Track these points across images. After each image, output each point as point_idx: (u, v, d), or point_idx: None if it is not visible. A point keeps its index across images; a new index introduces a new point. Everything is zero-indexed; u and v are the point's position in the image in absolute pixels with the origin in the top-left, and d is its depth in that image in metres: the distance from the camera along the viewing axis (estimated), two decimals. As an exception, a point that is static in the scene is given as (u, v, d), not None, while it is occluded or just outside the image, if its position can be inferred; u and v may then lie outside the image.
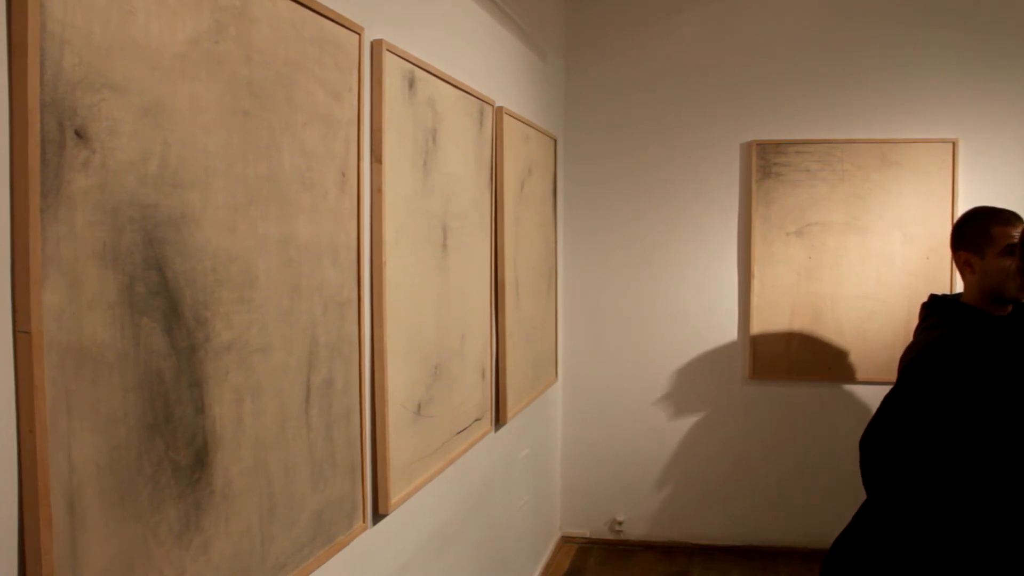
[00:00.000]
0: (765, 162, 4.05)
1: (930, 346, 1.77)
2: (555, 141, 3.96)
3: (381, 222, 1.98)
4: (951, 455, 1.64)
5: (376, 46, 1.97)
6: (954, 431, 1.63)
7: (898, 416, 1.75)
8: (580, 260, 4.27)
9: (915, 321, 3.91)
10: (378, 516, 2.03)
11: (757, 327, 4.09)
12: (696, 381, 4.22)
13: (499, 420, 3.04)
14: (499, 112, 2.94)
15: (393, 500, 2.05)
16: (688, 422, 4.23)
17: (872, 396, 4.00)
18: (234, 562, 1.41)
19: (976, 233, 2.04)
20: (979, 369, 1.63)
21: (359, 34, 1.85)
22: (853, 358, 4.02)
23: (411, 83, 2.16)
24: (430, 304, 2.32)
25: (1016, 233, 2.03)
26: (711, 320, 4.19)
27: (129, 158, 1.16)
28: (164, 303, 1.23)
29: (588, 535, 4.36)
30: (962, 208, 3.91)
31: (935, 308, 1.91)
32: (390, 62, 2.02)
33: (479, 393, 2.77)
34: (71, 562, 1.07)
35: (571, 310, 4.29)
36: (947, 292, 3.88)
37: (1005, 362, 1.62)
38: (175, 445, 1.26)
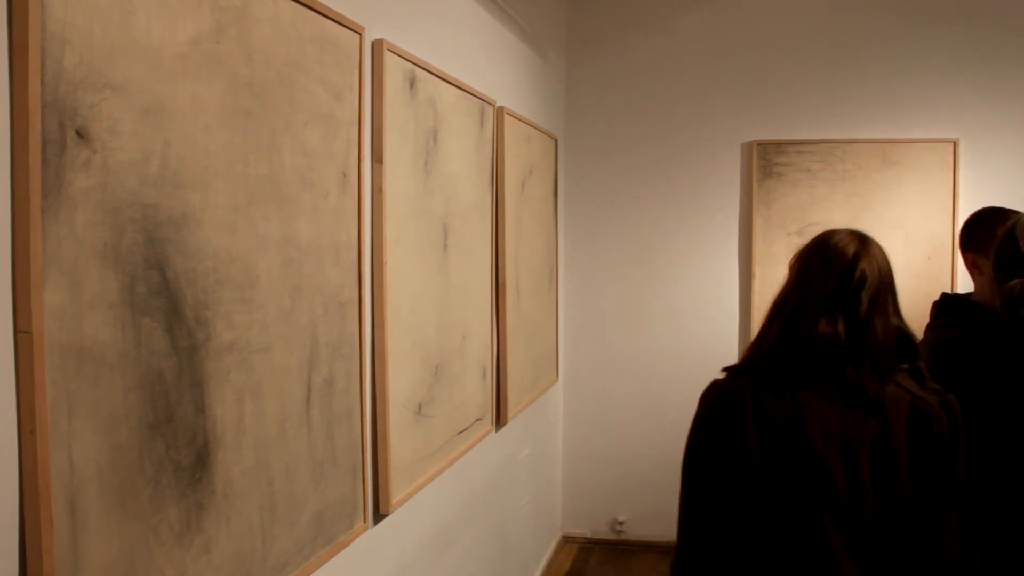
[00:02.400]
0: (766, 162, 4.05)
1: (938, 349, 1.77)
2: (556, 141, 3.96)
3: (382, 222, 1.98)
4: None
5: (377, 46, 1.96)
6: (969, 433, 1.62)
7: None
8: (581, 260, 4.27)
9: (915, 323, 3.90)
10: (379, 516, 2.03)
11: (758, 327, 4.08)
12: (697, 381, 4.19)
13: (500, 420, 3.04)
14: (500, 112, 2.94)
15: (394, 500, 2.05)
16: (689, 422, 4.22)
17: (873, 396, 3.99)
18: (235, 562, 1.41)
19: (983, 234, 2.03)
20: (988, 371, 1.63)
21: (360, 34, 1.85)
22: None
23: (412, 83, 2.16)
24: (431, 304, 2.32)
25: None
26: (712, 320, 4.19)
27: (130, 158, 1.16)
28: (165, 303, 1.23)
29: (589, 535, 4.36)
30: (963, 208, 3.90)
31: (946, 307, 1.90)
32: (391, 62, 2.02)
33: (480, 393, 2.77)
34: (72, 562, 1.06)
35: (572, 310, 4.29)
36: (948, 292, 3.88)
37: (1012, 365, 1.63)
38: (176, 445, 1.26)
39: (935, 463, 1.39)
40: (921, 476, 1.39)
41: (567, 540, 4.34)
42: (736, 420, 1.48)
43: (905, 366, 1.46)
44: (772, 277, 4.06)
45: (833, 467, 1.38)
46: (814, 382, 1.43)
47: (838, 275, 1.47)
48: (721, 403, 1.53)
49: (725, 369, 1.59)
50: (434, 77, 2.31)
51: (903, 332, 1.47)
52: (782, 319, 1.53)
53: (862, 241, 1.53)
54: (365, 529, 1.92)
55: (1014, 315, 1.61)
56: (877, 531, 1.38)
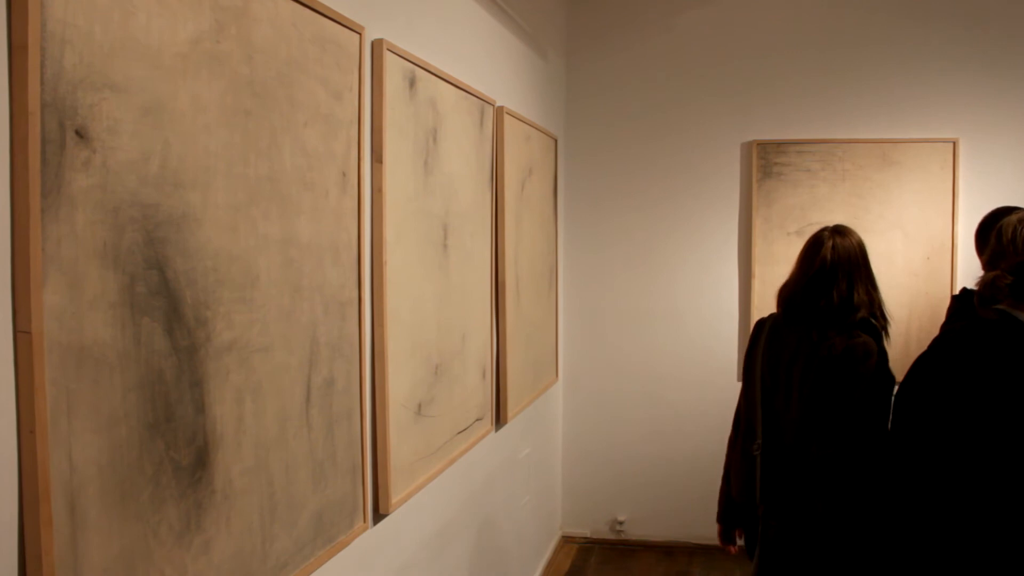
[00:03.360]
0: (766, 162, 4.05)
1: (944, 339, 1.79)
2: (556, 141, 3.96)
3: (382, 222, 1.98)
4: (952, 453, 1.66)
5: (377, 46, 1.96)
6: (954, 430, 1.65)
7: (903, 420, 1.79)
8: (581, 259, 4.27)
9: (915, 322, 3.91)
10: (379, 516, 2.03)
11: (758, 327, 4.09)
12: (697, 381, 4.22)
13: (500, 420, 3.04)
14: (500, 112, 2.94)
15: (394, 500, 2.04)
16: (689, 422, 4.23)
17: (873, 396, 3.99)
18: (235, 562, 1.41)
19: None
20: (988, 364, 1.64)
21: (360, 34, 1.85)
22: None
23: (412, 83, 2.16)
24: (431, 304, 2.32)
25: None
26: (712, 319, 4.19)
27: (130, 158, 1.16)
28: (165, 303, 1.23)
29: (589, 535, 4.36)
30: (963, 208, 3.91)
31: (963, 300, 1.92)
32: (391, 62, 2.02)
33: (480, 393, 2.77)
34: (72, 562, 1.06)
35: (572, 310, 4.29)
36: (948, 292, 3.88)
37: (1001, 364, 1.63)
38: (176, 445, 1.26)
39: (824, 376, 2.09)
40: (815, 384, 2.11)
41: (567, 540, 4.34)
42: (754, 340, 2.35)
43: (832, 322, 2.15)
44: (772, 277, 4.06)
45: (777, 377, 2.22)
46: (790, 328, 2.23)
47: (810, 259, 2.20)
48: (753, 330, 2.40)
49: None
50: (434, 77, 2.31)
51: (846, 299, 2.12)
52: (782, 288, 2.30)
53: (832, 234, 2.20)
54: (365, 529, 1.92)
55: (988, 308, 1.63)
56: (782, 414, 2.19)
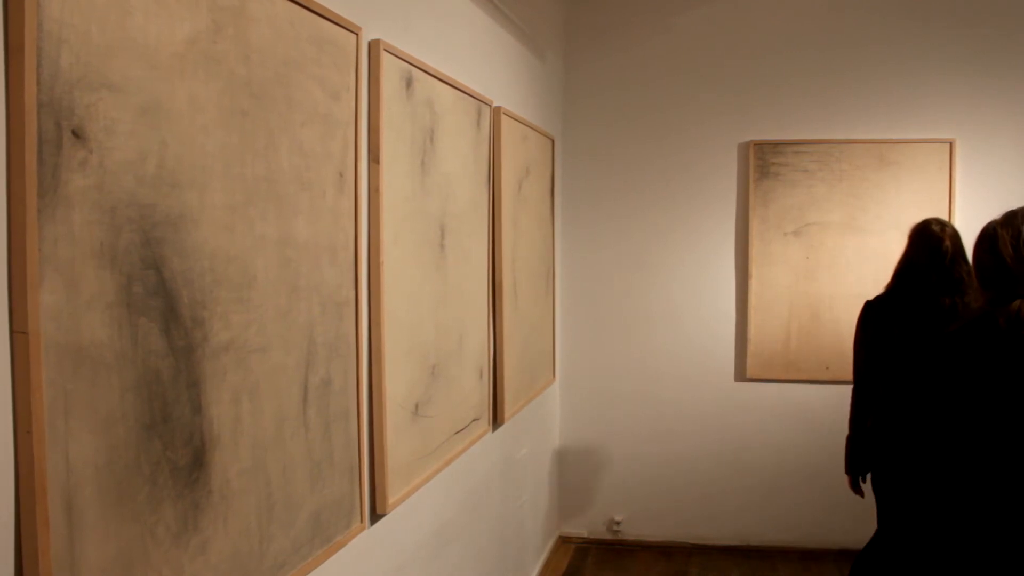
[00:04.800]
0: (763, 162, 4.05)
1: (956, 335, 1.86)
2: (553, 141, 3.96)
3: (379, 222, 1.98)
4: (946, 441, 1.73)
5: (374, 46, 1.96)
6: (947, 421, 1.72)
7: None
8: (578, 260, 4.28)
9: (913, 321, 3.92)
10: (376, 516, 2.03)
11: (755, 327, 4.09)
12: (694, 381, 4.22)
13: (497, 420, 3.04)
14: (497, 112, 2.94)
15: (391, 500, 2.04)
16: (686, 422, 4.23)
17: (870, 396, 4.00)
18: (232, 562, 1.41)
19: None
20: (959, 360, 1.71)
21: (357, 34, 1.85)
22: (851, 358, 4.02)
23: (409, 83, 2.16)
24: (428, 304, 2.32)
25: None
26: (709, 320, 4.19)
27: (127, 158, 1.16)
28: (162, 303, 1.23)
29: (586, 535, 4.36)
30: (959, 208, 3.92)
31: None
32: (388, 62, 2.02)
33: (477, 393, 2.77)
34: (68, 563, 1.06)
35: (569, 310, 4.29)
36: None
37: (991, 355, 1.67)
38: (173, 445, 1.26)
39: None
40: None
41: (564, 540, 4.35)
42: (882, 313, 2.79)
43: (960, 295, 2.64)
44: (770, 277, 4.06)
45: (919, 338, 2.59)
46: (919, 301, 2.70)
47: (933, 249, 2.71)
48: (867, 310, 2.85)
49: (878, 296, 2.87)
50: (431, 77, 2.31)
51: (967, 277, 2.62)
52: (899, 269, 2.82)
53: (942, 227, 2.75)
54: (362, 529, 1.92)
55: (1019, 332, 1.68)
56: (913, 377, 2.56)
